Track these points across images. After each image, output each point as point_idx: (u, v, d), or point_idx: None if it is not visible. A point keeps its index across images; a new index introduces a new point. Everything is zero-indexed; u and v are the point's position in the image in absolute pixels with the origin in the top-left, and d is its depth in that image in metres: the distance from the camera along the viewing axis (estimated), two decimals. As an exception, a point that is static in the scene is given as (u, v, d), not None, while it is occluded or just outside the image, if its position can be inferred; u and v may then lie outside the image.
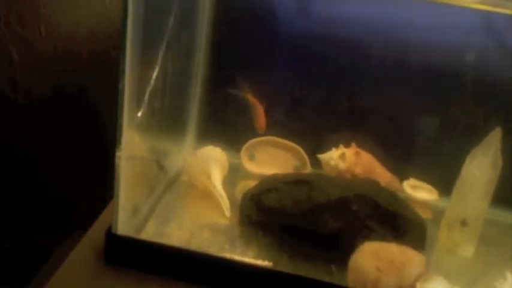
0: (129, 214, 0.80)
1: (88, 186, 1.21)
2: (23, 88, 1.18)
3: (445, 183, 0.96)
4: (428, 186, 1.02)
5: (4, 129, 1.20)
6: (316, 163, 1.04)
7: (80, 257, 0.80)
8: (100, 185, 1.13)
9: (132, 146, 0.77)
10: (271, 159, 1.06)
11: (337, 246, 0.81)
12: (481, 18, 0.93)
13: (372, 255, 0.75)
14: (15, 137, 1.21)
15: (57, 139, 1.21)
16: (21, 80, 1.17)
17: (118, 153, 0.73)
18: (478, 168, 0.85)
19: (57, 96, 1.19)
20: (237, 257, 0.79)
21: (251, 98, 1.02)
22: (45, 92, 1.18)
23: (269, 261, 0.79)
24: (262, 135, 1.05)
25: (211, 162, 0.96)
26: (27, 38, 1.15)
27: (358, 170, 0.99)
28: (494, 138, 0.85)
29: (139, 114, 0.77)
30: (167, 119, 0.94)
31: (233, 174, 1.03)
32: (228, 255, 0.80)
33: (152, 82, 0.80)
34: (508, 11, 0.81)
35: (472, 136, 0.91)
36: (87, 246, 0.82)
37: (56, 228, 1.23)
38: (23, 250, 1.22)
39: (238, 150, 1.06)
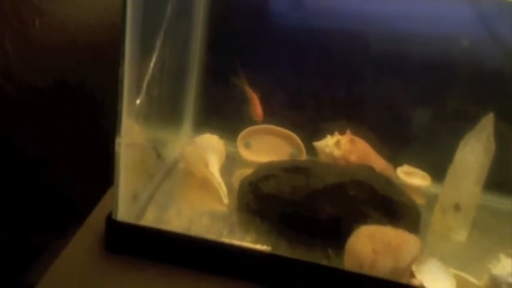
0: (128, 201, 0.81)
1: (89, 181, 1.21)
2: (18, 80, 1.17)
3: (437, 170, 0.98)
4: (422, 173, 1.04)
5: (1, 123, 1.20)
6: (311, 151, 1.05)
7: (80, 243, 0.80)
8: (101, 179, 1.13)
9: (132, 133, 0.77)
10: (267, 147, 1.07)
11: (334, 231, 0.82)
12: (473, 6, 0.95)
13: (368, 238, 0.76)
14: (11, 131, 1.21)
15: (54, 132, 1.21)
16: (17, 72, 1.17)
17: (118, 140, 0.74)
18: (471, 154, 0.87)
19: (54, 88, 1.18)
20: (236, 242, 0.80)
21: (248, 89, 1.03)
22: (41, 84, 1.18)
23: (267, 246, 0.80)
24: (259, 124, 1.06)
25: (208, 150, 0.97)
26: (22, 30, 1.14)
27: (353, 157, 1.00)
28: (487, 123, 0.86)
29: (137, 101, 0.78)
30: (165, 108, 0.95)
31: (229, 162, 1.04)
32: (227, 240, 0.81)
33: (150, 71, 0.81)
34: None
35: (464, 123, 0.92)
36: (87, 232, 0.83)
37: (55, 225, 1.23)
38: (22, 248, 1.22)
39: (235, 139, 1.07)
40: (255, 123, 1.07)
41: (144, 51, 0.78)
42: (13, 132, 1.19)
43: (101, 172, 1.18)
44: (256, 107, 1.03)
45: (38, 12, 1.13)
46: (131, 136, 0.78)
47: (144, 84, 0.79)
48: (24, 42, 1.14)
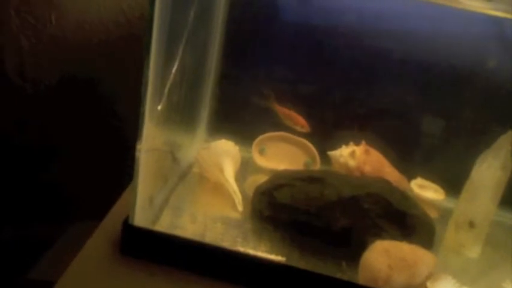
0: (145, 206, 0.81)
1: (96, 176, 1.22)
2: (31, 76, 1.18)
3: (452, 184, 0.98)
4: (435, 186, 1.04)
5: (12, 117, 1.20)
6: (325, 160, 1.05)
7: (95, 248, 0.80)
8: (108, 175, 1.13)
9: (151, 138, 0.78)
10: (281, 154, 1.07)
11: (347, 244, 0.82)
12: (498, 23, 0.95)
13: (383, 253, 0.76)
14: (23, 125, 1.21)
15: (64, 128, 1.22)
16: (30, 68, 1.17)
17: (138, 147, 0.74)
18: (488, 171, 0.87)
19: (66, 84, 1.19)
20: (251, 251, 0.80)
21: (278, 108, 1.04)
22: (54, 80, 1.18)
23: (280, 256, 0.81)
24: (306, 133, 1.05)
25: (224, 156, 0.97)
26: (37, 26, 1.15)
27: (368, 168, 1.00)
28: (505, 141, 0.86)
29: (159, 107, 0.78)
30: (181, 112, 0.95)
31: (243, 167, 1.04)
32: (241, 249, 0.81)
33: (172, 76, 0.81)
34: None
35: (480, 139, 0.93)
36: (102, 236, 0.83)
37: (57, 222, 1.23)
38: (25, 244, 1.22)
39: (249, 145, 1.07)
40: (269, 130, 1.07)
41: (167, 58, 0.78)
42: (24, 126, 1.20)
43: (109, 169, 1.19)
44: (298, 119, 1.03)
45: (54, 10, 1.13)
46: (151, 141, 0.78)
47: (166, 90, 0.79)
48: (39, 38, 1.15)
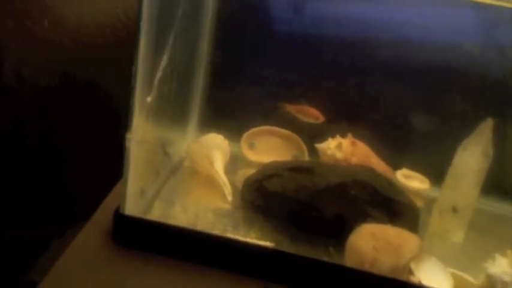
0: (136, 196, 0.83)
1: (95, 177, 1.23)
2: (29, 80, 1.19)
3: (436, 174, 1.00)
4: (420, 176, 1.06)
5: (11, 119, 1.21)
6: (313, 152, 1.07)
7: (87, 238, 0.82)
8: (107, 176, 1.15)
9: (141, 130, 0.79)
10: (270, 148, 1.09)
11: (336, 230, 0.84)
12: (472, 10, 0.97)
13: (369, 236, 0.78)
14: (20, 129, 1.22)
15: (63, 129, 1.23)
16: (28, 71, 1.18)
17: (128, 136, 0.75)
18: (471, 157, 0.89)
19: (64, 87, 1.20)
20: (241, 238, 0.82)
21: (289, 107, 1.06)
22: (52, 83, 1.20)
23: (270, 243, 0.82)
24: (321, 123, 1.07)
25: (213, 149, 0.99)
26: (33, 30, 1.16)
27: (354, 160, 1.02)
28: (485, 128, 0.89)
29: (148, 99, 0.80)
30: (172, 107, 0.97)
31: (233, 162, 1.06)
32: (232, 236, 0.83)
33: (161, 69, 0.83)
34: (506, 4, 0.85)
35: (463, 128, 0.95)
36: (93, 227, 0.84)
37: (59, 220, 1.24)
38: (26, 241, 1.23)
39: (239, 139, 1.09)
40: (259, 124, 1.10)
41: (157, 49, 0.80)
42: (23, 129, 1.21)
43: (104, 169, 1.20)
44: (311, 112, 1.05)
45: (50, 14, 1.15)
46: (141, 133, 0.80)
47: (155, 82, 0.81)
48: (36, 42, 1.16)
